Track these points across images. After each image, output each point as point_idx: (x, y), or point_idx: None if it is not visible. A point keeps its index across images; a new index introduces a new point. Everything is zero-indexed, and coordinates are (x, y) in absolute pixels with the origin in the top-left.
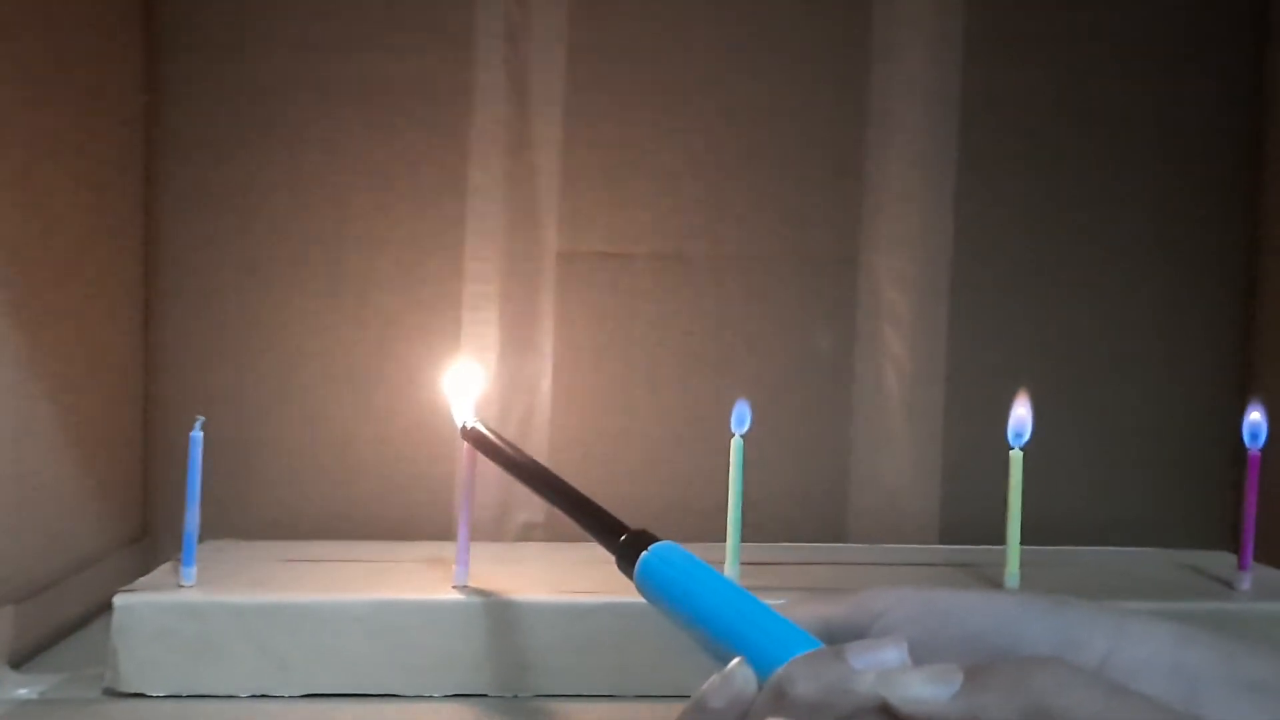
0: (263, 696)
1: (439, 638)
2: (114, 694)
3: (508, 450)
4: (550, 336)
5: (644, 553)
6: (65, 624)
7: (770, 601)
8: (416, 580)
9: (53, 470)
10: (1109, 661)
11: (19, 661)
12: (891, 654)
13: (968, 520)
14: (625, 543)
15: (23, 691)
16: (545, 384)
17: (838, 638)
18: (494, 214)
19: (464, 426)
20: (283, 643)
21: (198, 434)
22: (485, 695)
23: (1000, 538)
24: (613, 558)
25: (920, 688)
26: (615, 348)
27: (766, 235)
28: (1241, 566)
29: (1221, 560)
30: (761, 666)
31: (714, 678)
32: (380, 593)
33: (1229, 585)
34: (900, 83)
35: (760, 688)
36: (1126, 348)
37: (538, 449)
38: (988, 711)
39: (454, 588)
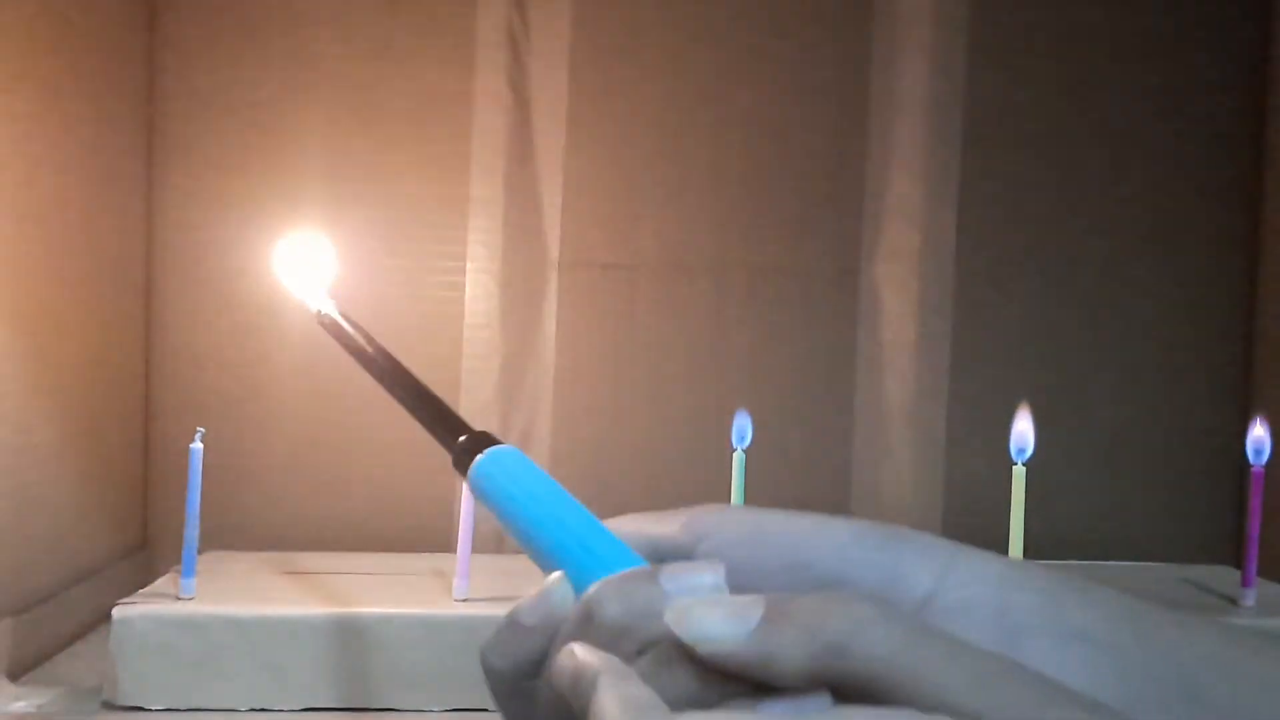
0: (262, 710)
1: (439, 652)
2: (112, 707)
3: (361, 341)
4: (551, 347)
5: (480, 456)
6: (64, 635)
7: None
8: (417, 593)
9: (53, 481)
10: (933, 600)
11: (18, 673)
12: (707, 578)
13: (969, 535)
14: (462, 445)
15: (21, 704)
16: (546, 395)
17: (666, 556)
18: (495, 224)
19: (319, 313)
20: (282, 656)
21: (197, 446)
22: (485, 710)
23: (1002, 551)
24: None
25: (714, 625)
26: (617, 358)
27: (768, 247)
28: (1245, 583)
29: (1225, 576)
30: (581, 584)
31: (531, 593)
32: (380, 606)
33: (1232, 601)
34: (902, 94)
35: None
36: (1130, 363)
37: (538, 459)
38: (783, 650)
39: (455, 601)
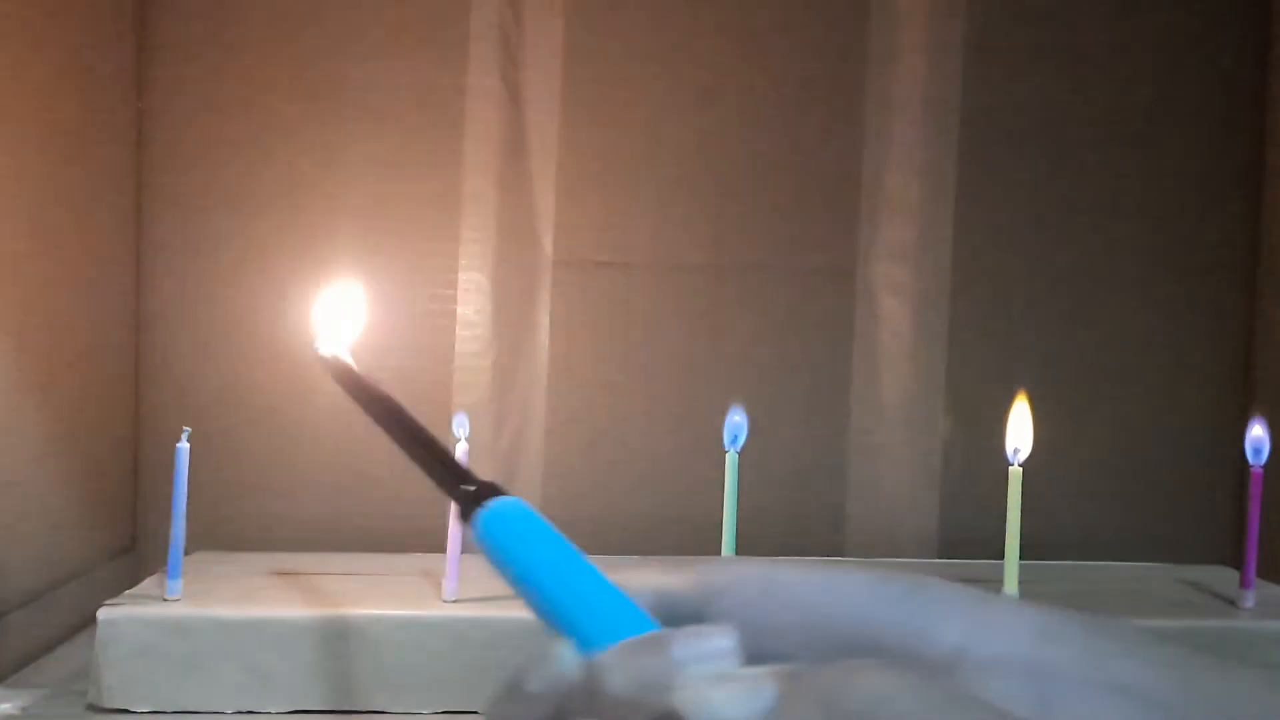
0: (248, 713)
1: (428, 653)
2: (98, 710)
3: (366, 384)
4: (545, 345)
5: (482, 508)
6: (51, 637)
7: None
8: (406, 594)
9: (41, 481)
10: (963, 657)
11: (4, 675)
12: (719, 644)
13: (966, 534)
14: (467, 495)
15: (5, 706)
16: (540, 393)
17: (678, 613)
18: (489, 222)
19: (322, 354)
20: (268, 658)
21: (184, 446)
22: (474, 712)
23: (1000, 552)
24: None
25: (726, 708)
26: (611, 357)
27: (764, 245)
28: (1244, 584)
29: (1224, 576)
30: (588, 647)
31: (534, 658)
32: (369, 607)
33: (1231, 602)
34: (899, 92)
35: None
36: (1128, 361)
37: (532, 459)
38: None
39: (444, 602)
